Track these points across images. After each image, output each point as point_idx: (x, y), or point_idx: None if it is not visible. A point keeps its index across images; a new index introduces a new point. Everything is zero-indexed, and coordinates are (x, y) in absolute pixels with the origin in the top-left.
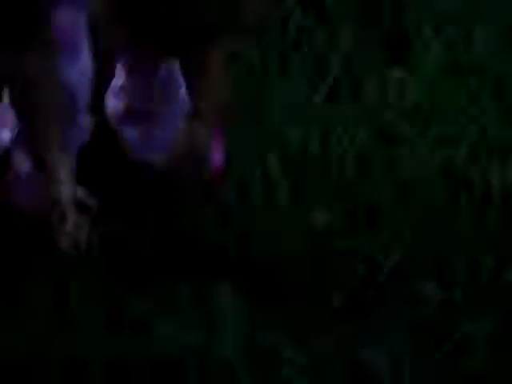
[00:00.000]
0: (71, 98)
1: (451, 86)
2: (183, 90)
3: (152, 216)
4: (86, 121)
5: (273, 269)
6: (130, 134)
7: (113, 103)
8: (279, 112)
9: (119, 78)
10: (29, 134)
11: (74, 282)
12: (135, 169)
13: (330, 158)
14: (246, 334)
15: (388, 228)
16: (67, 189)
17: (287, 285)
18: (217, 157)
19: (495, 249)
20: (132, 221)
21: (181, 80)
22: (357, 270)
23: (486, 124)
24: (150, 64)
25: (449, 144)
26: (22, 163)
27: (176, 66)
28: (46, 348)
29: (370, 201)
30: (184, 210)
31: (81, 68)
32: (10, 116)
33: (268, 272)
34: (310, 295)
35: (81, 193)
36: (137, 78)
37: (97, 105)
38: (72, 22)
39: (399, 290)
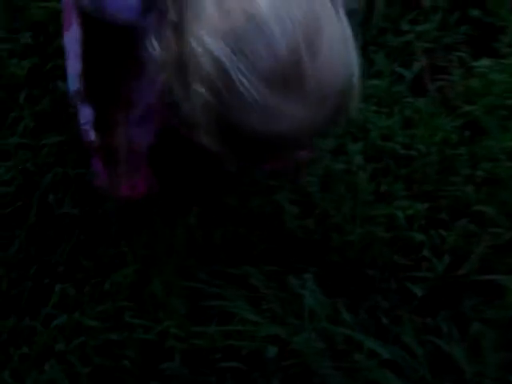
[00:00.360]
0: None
1: None
2: None
3: (232, 199)
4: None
5: (355, 259)
6: None
7: None
8: (362, 102)
9: None
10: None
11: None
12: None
13: (413, 150)
14: (326, 325)
15: (473, 222)
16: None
17: (369, 275)
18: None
19: None
20: (210, 203)
21: None
22: (439, 261)
23: None
24: None
25: None
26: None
27: None
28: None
29: (455, 195)
30: (266, 197)
31: None
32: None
33: (350, 262)
34: (392, 286)
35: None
36: None
37: None
38: None
39: (481, 281)
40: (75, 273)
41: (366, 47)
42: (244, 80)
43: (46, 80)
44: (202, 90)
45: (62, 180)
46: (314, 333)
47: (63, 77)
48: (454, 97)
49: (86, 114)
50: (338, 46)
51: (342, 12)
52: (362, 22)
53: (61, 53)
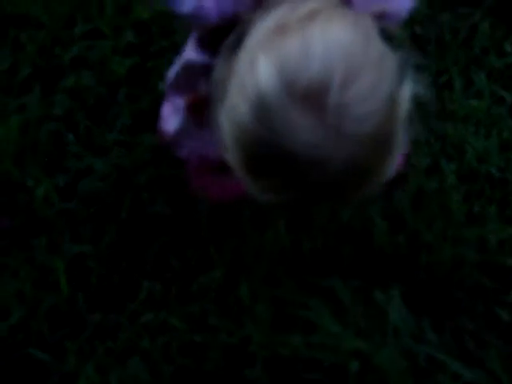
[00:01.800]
0: None
1: None
2: None
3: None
4: None
5: (443, 279)
6: None
7: None
8: (460, 123)
9: None
10: None
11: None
12: None
13: (509, 173)
14: (410, 342)
15: None
16: None
17: (456, 296)
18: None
19: None
20: (301, 212)
21: None
22: None
23: None
24: None
25: None
26: None
27: None
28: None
29: None
30: (357, 210)
31: None
32: None
33: (437, 282)
34: (479, 309)
35: None
36: None
37: None
38: None
39: None
40: (163, 272)
41: (467, 67)
42: (280, 98)
43: (146, 79)
44: (245, 108)
45: (156, 179)
46: (397, 350)
47: (163, 77)
48: None
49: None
50: (376, 94)
51: (406, 85)
52: (465, 41)
53: (162, 53)
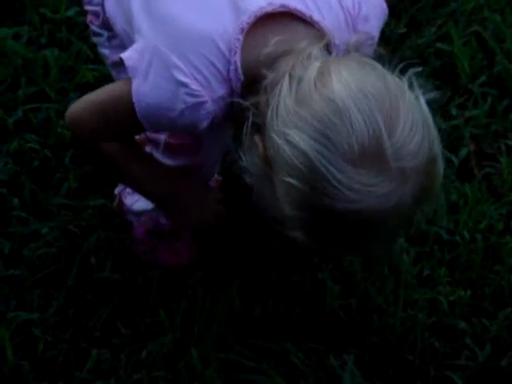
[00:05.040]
0: None
1: None
2: None
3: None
4: None
5: (395, 342)
6: None
7: None
8: None
9: None
10: None
11: None
12: None
13: (457, 235)
14: None
15: None
16: None
17: (409, 359)
18: None
19: None
20: (252, 275)
21: None
22: (481, 350)
23: None
24: None
25: None
26: None
27: None
28: None
29: (499, 284)
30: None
31: None
32: None
33: (390, 345)
34: (432, 372)
35: None
36: None
37: None
38: None
39: None
40: (112, 338)
41: None
42: (329, 165)
43: None
44: (293, 181)
45: (104, 243)
46: None
47: None
48: (501, 184)
49: None
50: (415, 124)
51: (421, 98)
52: None
53: None
